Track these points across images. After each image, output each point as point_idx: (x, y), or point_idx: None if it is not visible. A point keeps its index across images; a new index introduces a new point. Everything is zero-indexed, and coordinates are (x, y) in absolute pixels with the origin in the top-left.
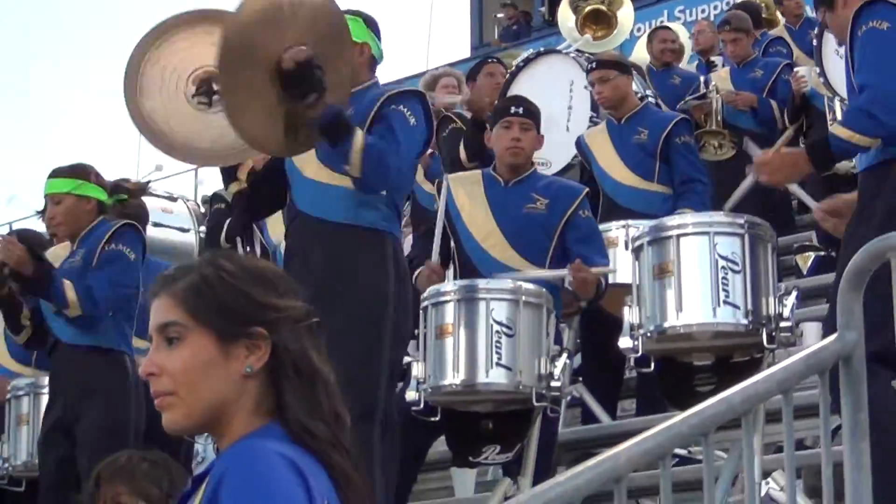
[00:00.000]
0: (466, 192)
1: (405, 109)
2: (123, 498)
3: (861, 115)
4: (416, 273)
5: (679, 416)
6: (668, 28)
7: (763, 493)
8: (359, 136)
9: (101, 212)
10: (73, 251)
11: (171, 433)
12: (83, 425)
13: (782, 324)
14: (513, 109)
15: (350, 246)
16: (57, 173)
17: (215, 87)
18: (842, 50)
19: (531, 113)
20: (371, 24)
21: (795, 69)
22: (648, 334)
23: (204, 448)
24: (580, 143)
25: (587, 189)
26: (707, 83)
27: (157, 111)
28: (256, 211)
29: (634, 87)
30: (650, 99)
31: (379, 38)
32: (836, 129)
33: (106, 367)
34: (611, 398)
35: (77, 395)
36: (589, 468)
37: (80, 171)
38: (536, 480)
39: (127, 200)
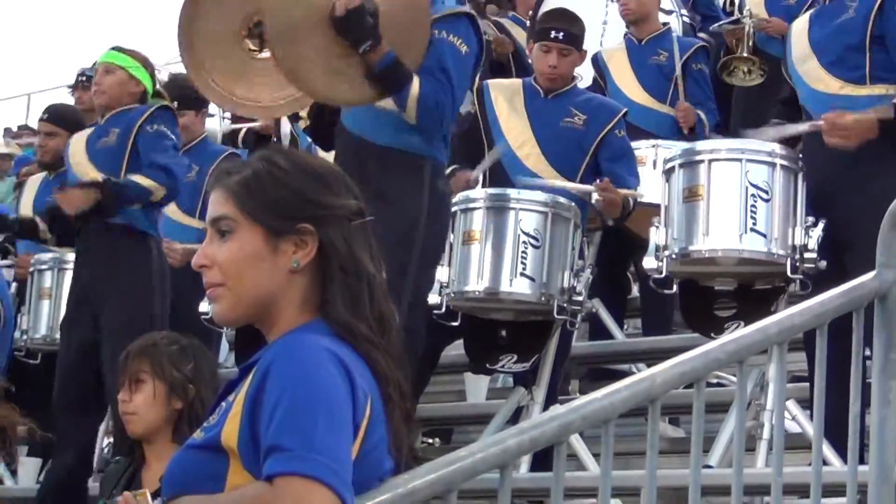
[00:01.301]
0: (506, 99)
1: (455, 39)
2: (144, 375)
3: None
4: (451, 178)
5: (716, 342)
6: None
7: (774, 421)
8: (415, 86)
9: (142, 102)
10: (102, 126)
11: (220, 324)
12: (108, 312)
13: (807, 255)
14: (552, 34)
15: (388, 169)
16: (119, 49)
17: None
18: None
19: (572, 36)
20: None
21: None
22: (673, 256)
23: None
24: (597, 60)
25: (626, 109)
26: (741, 7)
27: (207, 48)
28: (325, 141)
29: (669, 3)
30: (685, 19)
31: None
32: None
33: (134, 246)
34: (619, 315)
35: (103, 272)
36: (626, 387)
37: (141, 57)
38: (549, 392)
39: (167, 105)
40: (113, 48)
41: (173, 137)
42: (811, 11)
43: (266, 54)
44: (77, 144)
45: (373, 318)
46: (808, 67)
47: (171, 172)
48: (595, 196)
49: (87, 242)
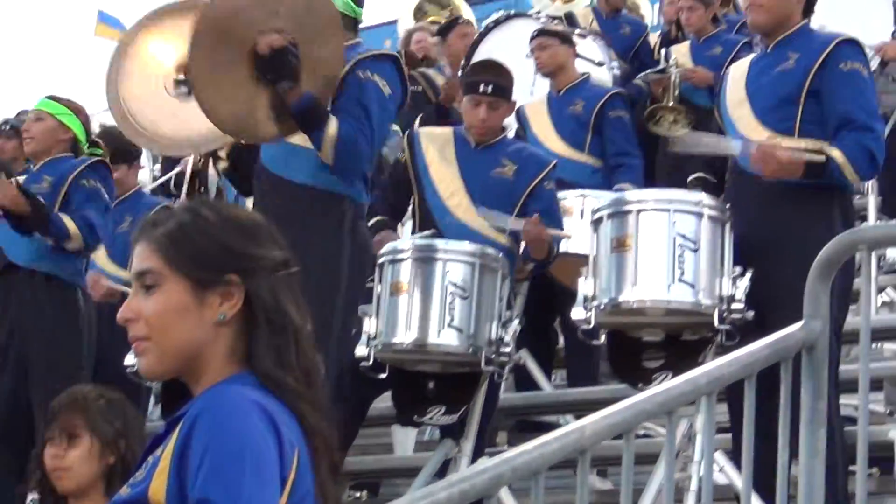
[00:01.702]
0: (437, 149)
1: (379, 80)
2: (79, 430)
3: (865, 156)
4: (376, 236)
5: (645, 394)
6: None
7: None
8: (332, 127)
9: (73, 150)
10: (35, 173)
11: (146, 377)
12: (34, 358)
13: (734, 305)
14: (481, 87)
15: (307, 208)
16: (52, 97)
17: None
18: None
19: (500, 88)
20: None
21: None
22: (602, 306)
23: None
24: (519, 112)
25: (555, 161)
26: (668, 57)
27: (132, 96)
28: (245, 182)
29: (600, 55)
30: (616, 71)
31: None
32: (840, 160)
33: (60, 296)
34: (547, 367)
35: (30, 319)
36: (556, 439)
37: (74, 106)
38: (477, 444)
39: (101, 157)
40: (46, 97)
41: (105, 196)
42: (752, 56)
43: (191, 96)
44: None
45: (299, 369)
46: (740, 113)
47: (95, 231)
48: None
49: (11, 289)
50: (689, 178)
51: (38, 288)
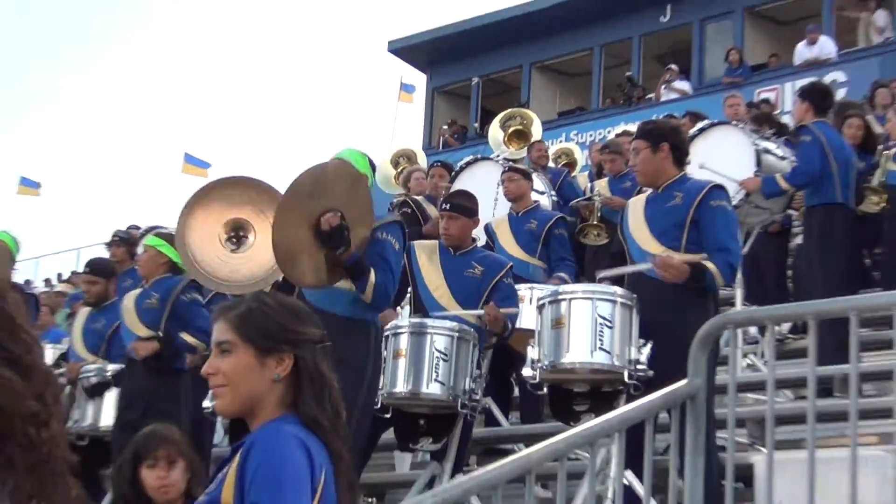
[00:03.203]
0: (426, 256)
1: (392, 239)
2: (173, 456)
3: (728, 269)
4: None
5: (574, 430)
6: (541, 141)
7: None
8: (372, 276)
9: (173, 269)
10: (146, 290)
11: (220, 415)
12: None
13: (639, 366)
14: (444, 206)
15: (345, 334)
16: (156, 233)
17: (248, 233)
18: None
19: (459, 207)
20: (371, 163)
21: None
22: (544, 367)
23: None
24: (487, 228)
25: (511, 263)
26: (592, 189)
27: (196, 247)
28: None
29: (541, 186)
30: (553, 198)
31: (374, 173)
32: (714, 271)
33: (167, 380)
34: (505, 409)
35: (147, 400)
36: (510, 461)
37: (166, 236)
38: (455, 464)
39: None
40: (153, 234)
41: (203, 302)
42: (648, 194)
43: (241, 252)
44: (129, 300)
45: (330, 412)
46: (640, 234)
47: (209, 334)
48: (484, 314)
49: (137, 378)
50: (598, 277)
51: (153, 376)
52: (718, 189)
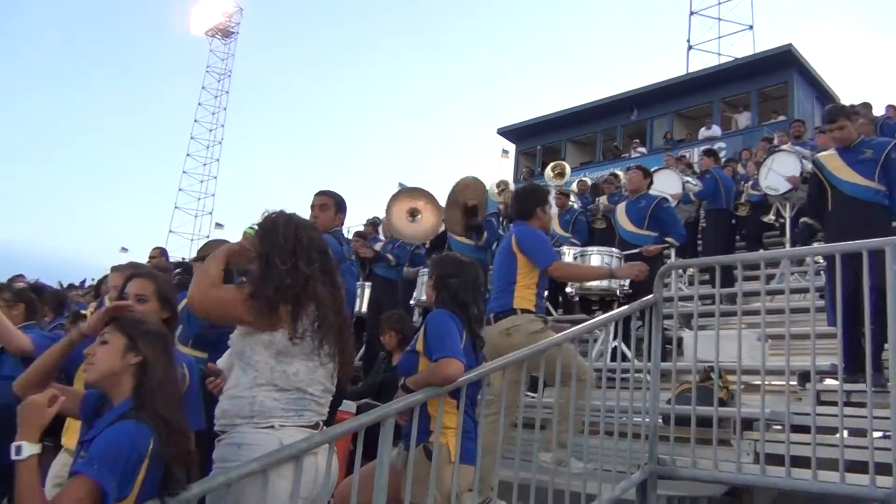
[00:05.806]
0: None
1: (493, 220)
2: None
3: (681, 238)
4: None
5: (592, 321)
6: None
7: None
8: (484, 235)
9: None
10: None
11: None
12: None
13: (624, 289)
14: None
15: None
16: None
17: (422, 211)
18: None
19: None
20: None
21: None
22: (577, 287)
23: None
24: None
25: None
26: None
27: (397, 220)
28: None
29: (574, 203)
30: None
31: (486, 189)
32: (674, 242)
33: None
34: None
35: None
36: (365, 414)
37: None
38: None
39: None
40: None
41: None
42: (627, 202)
43: (415, 223)
44: None
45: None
46: (625, 225)
47: None
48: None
49: None
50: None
51: None
52: (664, 200)
